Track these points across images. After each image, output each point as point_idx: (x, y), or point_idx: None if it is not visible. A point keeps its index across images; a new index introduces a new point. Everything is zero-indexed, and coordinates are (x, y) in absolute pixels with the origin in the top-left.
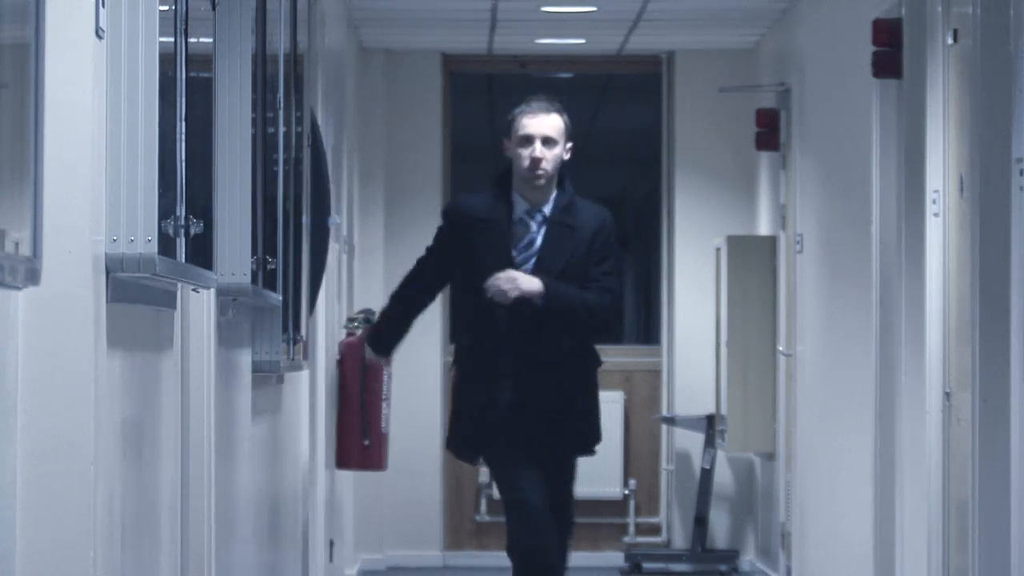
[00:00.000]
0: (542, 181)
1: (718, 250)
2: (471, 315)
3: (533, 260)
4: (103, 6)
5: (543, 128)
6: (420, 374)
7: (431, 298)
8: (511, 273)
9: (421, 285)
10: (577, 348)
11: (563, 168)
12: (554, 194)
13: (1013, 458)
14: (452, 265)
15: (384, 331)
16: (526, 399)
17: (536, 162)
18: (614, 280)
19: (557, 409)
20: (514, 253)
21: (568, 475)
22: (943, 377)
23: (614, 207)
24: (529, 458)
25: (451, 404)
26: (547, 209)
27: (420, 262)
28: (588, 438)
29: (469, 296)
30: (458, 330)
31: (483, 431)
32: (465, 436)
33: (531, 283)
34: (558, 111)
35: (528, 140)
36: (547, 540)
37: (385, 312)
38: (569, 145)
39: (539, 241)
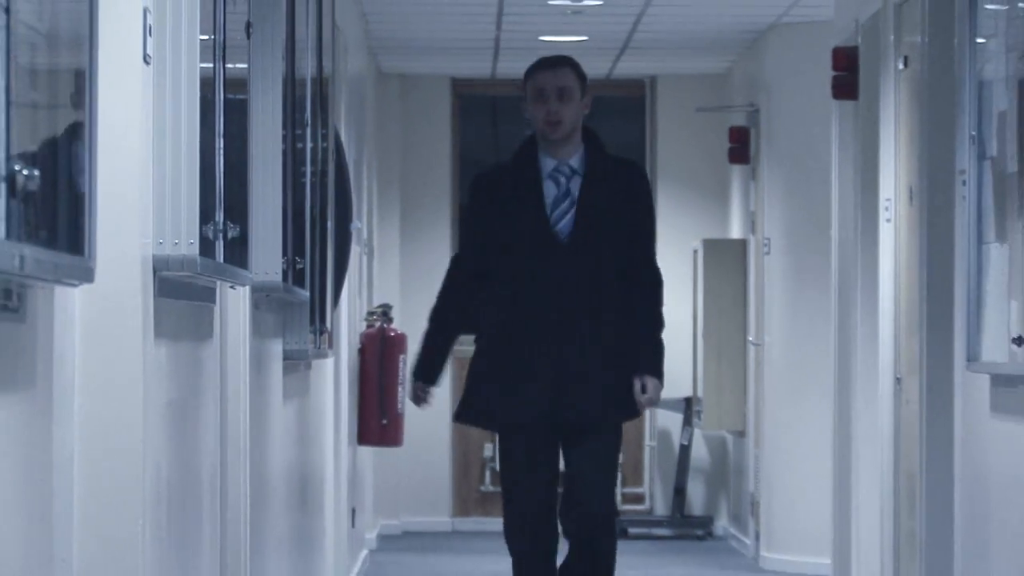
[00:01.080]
0: (559, 135)
1: (695, 252)
2: (506, 283)
3: (571, 215)
4: (150, 35)
5: (556, 80)
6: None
7: (480, 288)
8: (650, 398)
9: (465, 277)
10: (613, 320)
11: (588, 122)
12: (582, 148)
13: (955, 435)
14: (487, 237)
15: (429, 359)
16: (558, 372)
17: (551, 115)
18: (653, 250)
19: (584, 380)
20: (548, 211)
21: (595, 447)
22: (894, 364)
23: None
24: (546, 443)
25: (470, 371)
26: (575, 163)
27: (456, 257)
28: (608, 410)
29: (505, 262)
30: (488, 299)
31: (505, 402)
32: (481, 403)
33: (657, 390)
34: (571, 63)
35: (542, 95)
36: (536, 544)
37: (428, 340)
38: (586, 98)
39: (576, 194)
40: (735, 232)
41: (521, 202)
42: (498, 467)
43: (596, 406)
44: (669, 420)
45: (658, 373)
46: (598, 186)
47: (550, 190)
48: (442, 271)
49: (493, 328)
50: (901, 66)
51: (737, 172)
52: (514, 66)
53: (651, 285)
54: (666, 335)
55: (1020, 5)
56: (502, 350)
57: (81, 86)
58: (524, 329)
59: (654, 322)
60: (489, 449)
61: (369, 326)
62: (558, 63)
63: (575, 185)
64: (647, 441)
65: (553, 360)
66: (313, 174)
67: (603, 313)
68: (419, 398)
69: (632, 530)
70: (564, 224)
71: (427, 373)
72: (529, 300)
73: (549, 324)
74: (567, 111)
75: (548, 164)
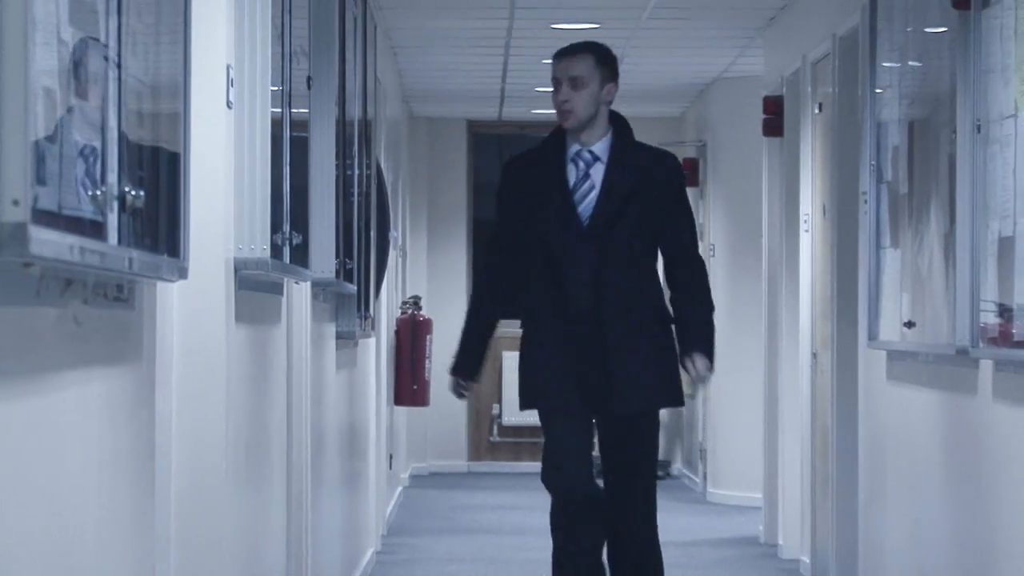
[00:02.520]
0: (572, 123)
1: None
2: (536, 267)
3: (591, 197)
4: (232, 86)
5: (569, 69)
6: (449, 339)
7: (508, 294)
8: (700, 375)
9: (499, 261)
10: (645, 306)
11: (615, 110)
12: (609, 135)
13: (859, 398)
14: (516, 224)
15: (469, 352)
16: (593, 355)
17: (562, 104)
18: (694, 239)
19: (619, 367)
20: (572, 194)
21: (633, 435)
22: (811, 342)
23: None
24: (587, 422)
25: (519, 357)
26: (600, 149)
27: (489, 242)
28: (647, 396)
29: (533, 245)
30: (525, 283)
31: (546, 386)
32: (532, 389)
33: (706, 367)
34: (590, 49)
35: (556, 83)
36: (575, 492)
37: (468, 333)
38: (610, 84)
39: (597, 180)
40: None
41: (545, 185)
42: (543, 440)
43: (637, 396)
44: None
45: (707, 351)
46: (622, 172)
47: (571, 175)
48: (460, 270)
49: (531, 313)
50: (817, 111)
51: (690, 193)
52: (516, 110)
53: (697, 271)
54: None
55: (909, 64)
56: (540, 335)
57: (177, 125)
58: (557, 314)
59: (703, 304)
60: (496, 408)
61: (403, 313)
62: (574, 50)
63: (596, 171)
64: None
65: (586, 348)
66: (359, 194)
67: (633, 300)
68: (459, 393)
69: None
70: (584, 207)
71: (464, 369)
72: (559, 284)
73: (580, 310)
74: (579, 100)
75: (572, 149)
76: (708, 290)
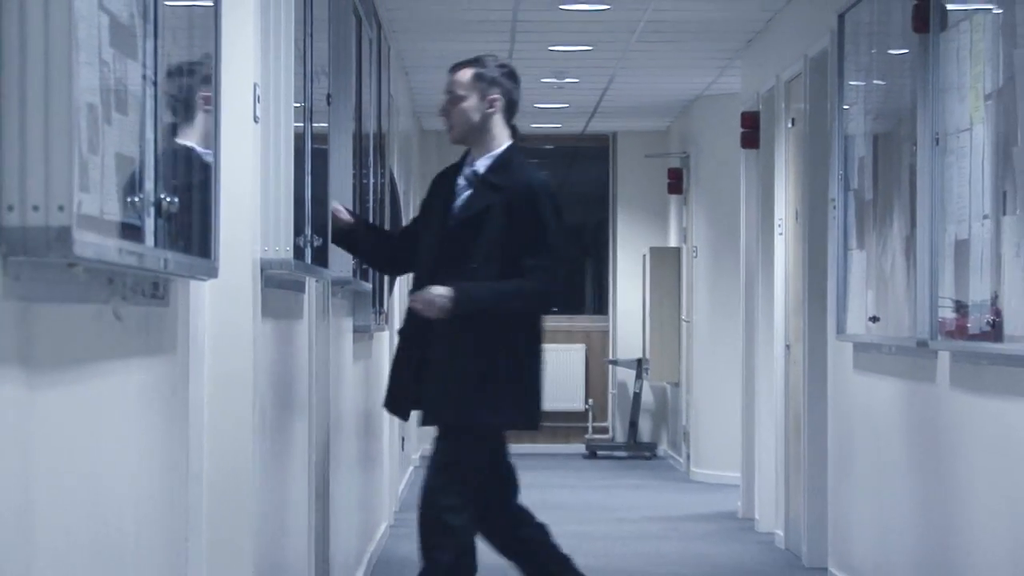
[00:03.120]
0: (451, 138)
1: (644, 256)
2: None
3: (454, 212)
4: (258, 102)
5: (450, 84)
6: None
7: (403, 252)
8: (422, 296)
9: (401, 235)
10: (476, 327)
11: (515, 126)
12: (496, 152)
13: (828, 385)
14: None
15: (363, 227)
16: (418, 364)
17: (444, 118)
18: (546, 258)
19: (434, 380)
20: (454, 206)
21: (437, 448)
22: (784, 335)
23: (581, 231)
24: (400, 416)
25: None
26: (481, 167)
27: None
28: (436, 413)
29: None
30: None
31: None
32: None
33: (439, 297)
34: (473, 63)
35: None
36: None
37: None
38: (492, 97)
39: (464, 197)
40: (672, 242)
41: (437, 197)
42: None
43: (428, 409)
44: (626, 374)
45: (460, 298)
46: (481, 192)
47: (458, 189)
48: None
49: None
50: (790, 125)
51: (674, 200)
52: (519, 124)
53: (533, 281)
54: (623, 316)
55: (874, 82)
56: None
57: (209, 138)
58: (407, 316)
59: (513, 288)
60: None
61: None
62: (459, 66)
63: (469, 188)
64: (610, 390)
65: (417, 351)
66: (374, 201)
67: (459, 323)
68: (336, 219)
69: (599, 452)
70: (453, 220)
71: (335, 236)
72: (415, 285)
73: (412, 318)
74: (454, 114)
75: (468, 166)
76: (537, 294)
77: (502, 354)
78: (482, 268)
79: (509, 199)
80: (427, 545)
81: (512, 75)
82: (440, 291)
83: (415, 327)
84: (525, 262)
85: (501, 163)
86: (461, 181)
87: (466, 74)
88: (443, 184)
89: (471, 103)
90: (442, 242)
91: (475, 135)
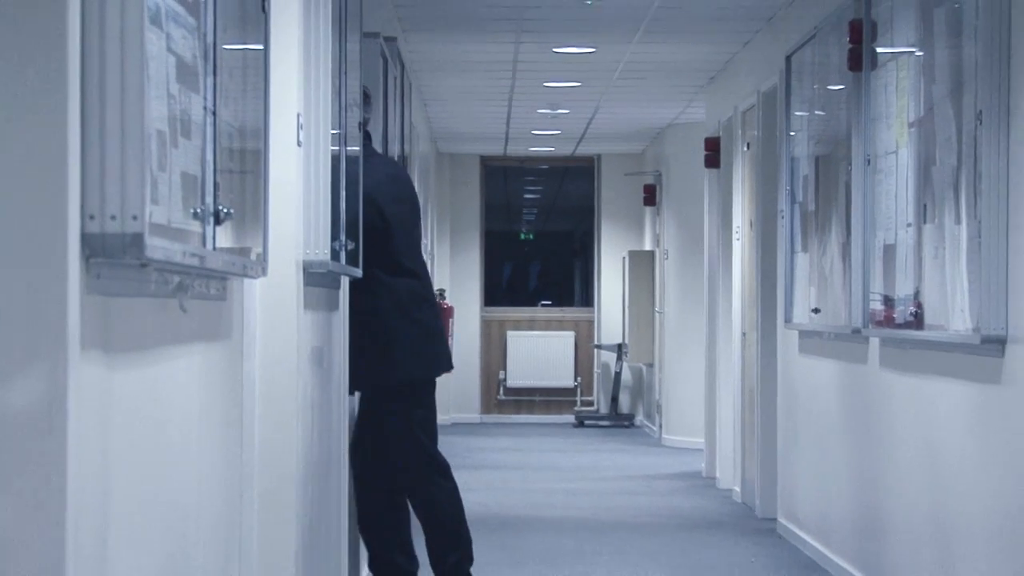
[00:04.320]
0: None
1: (624, 258)
2: None
3: None
4: (301, 128)
5: None
6: (466, 321)
7: None
8: None
9: None
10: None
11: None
12: None
13: (778, 366)
14: None
15: None
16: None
17: None
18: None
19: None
20: None
21: (369, 417)
22: (741, 324)
23: (571, 236)
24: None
25: None
26: None
27: None
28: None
29: None
30: None
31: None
32: None
33: None
34: None
35: None
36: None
37: None
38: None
39: None
40: (648, 246)
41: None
42: None
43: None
44: (608, 356)
45: None
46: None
47: None
48: (475, 270)
49: None
50: (746, 148)
51: (648, 211)
52: (517, 148)
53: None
54: (606, 308)
55: (816, 113)
56: None
57: (259, 158)
58: None
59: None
60: (502, 374)
61: None
62: None
63: None
64: (595, 369)
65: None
66: None
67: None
68: None
69: (586, 422)
70: None
71: None
72: None
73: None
74: None
75: None
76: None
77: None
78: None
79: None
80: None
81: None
82: None
83: None
84: None
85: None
86: None
87: None
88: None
89: None
90: None
91: None
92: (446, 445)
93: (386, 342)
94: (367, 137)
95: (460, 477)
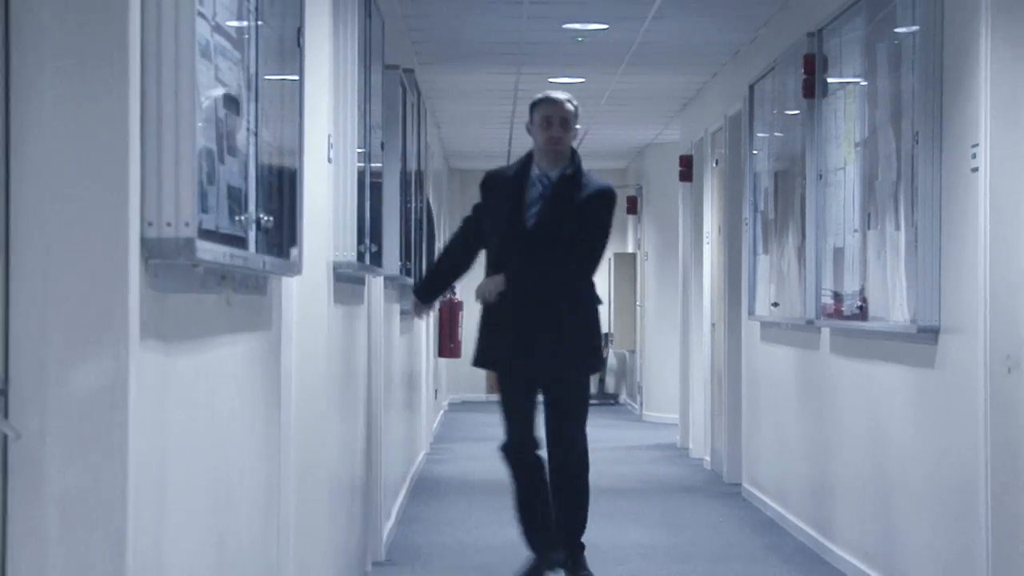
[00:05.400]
0: (560, 151)
1: (610, 259)
2: (494, 257)
3: (536, 211)
4: (331, 148)
5: (560, 113)
6: (474, 315)
7: (471, 258)
8: (482, 287)
9: (463, 238)
10: (573, 292)
11: (574, 147)
12: (565, 164)
13: (742, 353)
14: (484, 218)
15: (430, 285)
16: (528, 332)
17: (554, 140)
18: (591, 262)
19: (551, 340)
20: (526, 208)
21: (565, 393)
22: (711, 316)
23: None
24: (526, 379)
25: (478, 328)
26: (554, 175)
27: (464, 220)
28: (576, 364)
29: (492, 242)
30: (487, 270)
31: (496, 352)
32: (482, 352)
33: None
34: (569, 100)
35: (548, 123)
36: (524, 446)
37: (432, 271)
38: (578, 127)
39: (546, 197)
40: (630, 249)
41: (508, 198)
42: (499, 398)
43: (566, 363)
44: None
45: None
46: (563, 193)
47: (531, 192)
48: (480, 272)
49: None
50: (715, 165)
51: (631, 219)
52: None
53: (585, 262)
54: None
55: (775, 134)
56: (495, 312)
57: (294, 173)
58: (508, 296)
59: (568, 271)
60: None
61: (444, 297)
62: (563, 100)
63: (547, 192)
64: None
65: (529, 323)
66: (415, 220)
67: (566, 289)
68: (417, 311)
69: None
70: (530, 217)
71: (424, 295)
72: (510, 274)
73: (524, 294)
74: (566, 136)
75: (535, 172)
76: (577, 276)
77: (594, 317)
78: (568, 258)
79: (586, 201)
80: (582, 439)
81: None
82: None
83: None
84: (581, 237)
85: (572, 173)
86: (534, 188)
87: (571, 108)
88: (506, 189)
89: (572, 129)
90: (529, 239)
91: (565, 152)
92: (458, 421)
93: (598, 331)
94: None
95: (469, 449)
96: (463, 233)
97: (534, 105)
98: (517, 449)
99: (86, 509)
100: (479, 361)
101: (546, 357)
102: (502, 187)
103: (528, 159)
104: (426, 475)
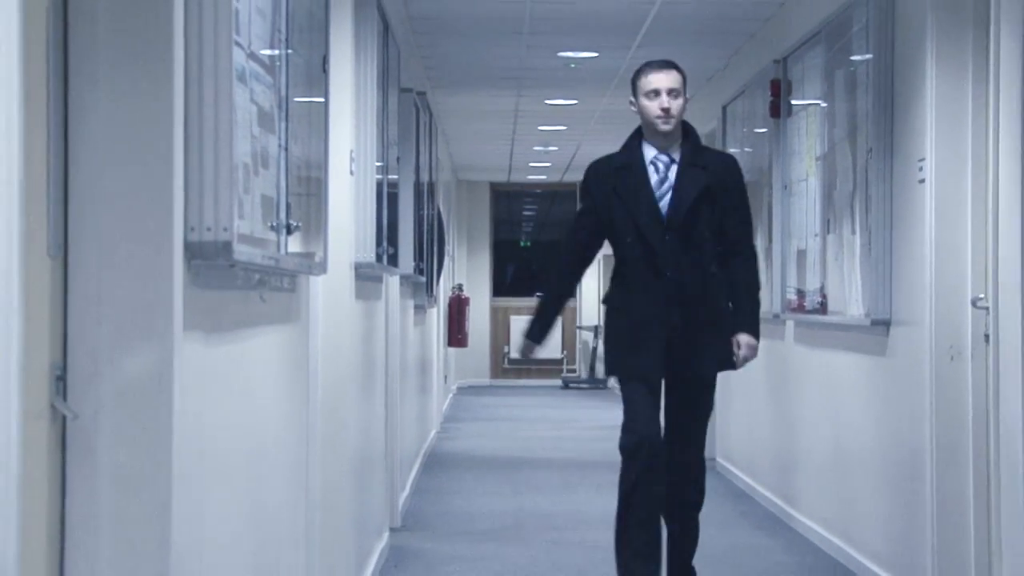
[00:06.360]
0: (670, 126)
1: (599, 260)
2: (625, 253)
3: (669, 195)
4: (353, 161)
5: (668, 82)
6: (479, 309)
7: (592, 253)
8: (744, 356)
9: (578, 244)
10: (717, 289)
11: (686, 120)
12: (679, 141)
13: None
14: (601, 214)
15: (544, 322)
16: (670, 332)
17: (666, 111)
18: (749, 231)
19: (695, 340)
20: (654, 191)
21: (695, 398)
22: None
23: (558, 245)
24: (656, 382)
25: (606, 331)
26: (675, 153)
27: (573, 228)
28: (712, 363)
29: (622, 235)
30: (613, 271)
31: (632, 357)
32: (616, 358)
33: (753, 346)
34: (678, 67)
35: (656, 93)
36: (648, 444)
37: (543, 305)
38: (689, 96)
39: (672, 179)
40: None
41: (628, 183)
42: (623, 403)
43: (700, 363)
44: (587, 335)
45: (754, 332)
46: (692, 172)
47: (652, 173)
48: (485, 270)
49: (618, 295)
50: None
51: None
52: (519, 176)
53: (749, 258)
54: (586, 298)
55: (745, 149)
56: (627, 313)
57: (320, 184)
58: (641, 296)
59: (753, 288)
60: (506, 348)
61: (453, 293)
62: (670, 66)
63: (672, 172)
64: (578, 345)
65: (665, 323)
66: (428, 225)
67: (704, 284)
68: (526, 353)
69: (570, 385)
70: (664, 204)
71: (536, 335)
72: (643, 271)
73: (660, 292)
74: (676, 105)
75: (650, 153)
76: (757, 278)
77: (727, 312)
78: (708, 242)
79: (717, 175)
80: (696, 498)
81: None
82: (751, 342)
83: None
84: (735, 229)
85: (692, 147)
86: (657, 170)
87: (680, 76)
88: (626, 178)
89: (683, 100)
90: (668, 229)
91: (677, 127)
92: (465, 403)
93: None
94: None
95: (475, 427)
96: (578, 243)
97: (637, 75)
98: (644, 448)
99: (135, 482)
100: (620, 371)
101: (689, 357)
102: (617, 176)
103: (636, 140)
104: (437, 451)
